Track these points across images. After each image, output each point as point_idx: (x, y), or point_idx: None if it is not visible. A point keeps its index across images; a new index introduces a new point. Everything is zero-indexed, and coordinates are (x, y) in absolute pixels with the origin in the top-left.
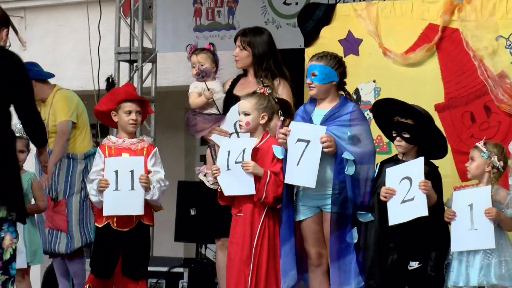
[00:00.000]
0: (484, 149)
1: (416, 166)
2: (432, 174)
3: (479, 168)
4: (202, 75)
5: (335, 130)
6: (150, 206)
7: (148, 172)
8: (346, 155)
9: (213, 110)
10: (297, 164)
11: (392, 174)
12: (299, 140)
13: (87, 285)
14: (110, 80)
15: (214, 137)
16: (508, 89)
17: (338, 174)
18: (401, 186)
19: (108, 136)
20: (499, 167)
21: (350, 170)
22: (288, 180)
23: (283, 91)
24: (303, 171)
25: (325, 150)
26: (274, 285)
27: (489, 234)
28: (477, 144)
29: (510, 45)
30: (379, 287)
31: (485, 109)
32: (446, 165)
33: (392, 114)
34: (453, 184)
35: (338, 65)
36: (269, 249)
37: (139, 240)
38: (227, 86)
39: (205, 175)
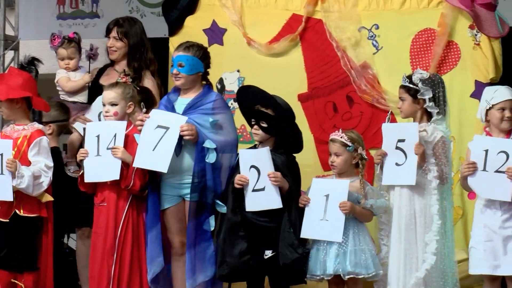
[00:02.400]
0: (350, 143)
1: (263, 156)
2: (289, 164)
3: (347, 162)
4: (90, 56)
5: (197, 118)
6: (35, 197)
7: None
8: (207, 144)
9: (81, 99)
10: (153, 150)
11: (244, 160)
12: (158, 126)
13: None
14: None
15: (77, 125)
16: (370, 80)
17: (199, 162)
18: (251, 174)
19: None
20: (365, 157)
21: (211, 158)
22: (139, 163)
23: (148, 82)
24: (157, 156)
25: (186, 138)
26: (137, 275)
27: (339, 227)
28: (336, 138)
29: (372, 36)
30: (229, 275)
31: (347, 99)
32: (308, 155)
33: (254, 102)
34: (315, 173)
35: (204, 56)
36: (133, 239)
37: (17, 232)
38: (93, 75)
39: (65, 164)
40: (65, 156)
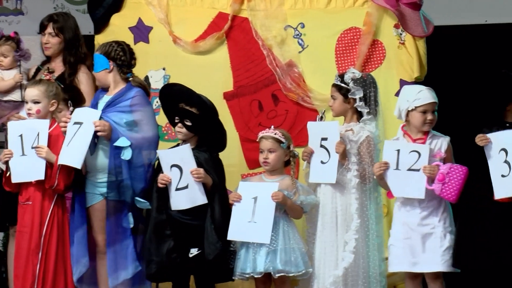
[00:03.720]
0: (284, 140)
1: (183, 153)
2: (212, 160)
3: (281, 159)
4: (17, 58)
5: (113, 117)
6: None
7: None
8: (120, 142)
9: (14, 97)
10: (68, 145)
11: (164, 160)
12: (75, 123)
13: None
14: None
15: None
16: (296, 78)
17: (114, 159)
18: (173, 173)
19: None
20: (297, 154)
21: (126, 155)
22: (61, 160)
23: (84, 76)
24: (72, 151)
25: (99, 134)
26: (62, 274)
27: (266, 229)
28: (269, 135)
29: (298, 34)
30: (157, 274)
31: (273, 97)
32: (233, 153)
33: (178, 100)
34: (241, 172)
35: (110, 53)
36: (58, 238)
37: None
38: (32, 73)
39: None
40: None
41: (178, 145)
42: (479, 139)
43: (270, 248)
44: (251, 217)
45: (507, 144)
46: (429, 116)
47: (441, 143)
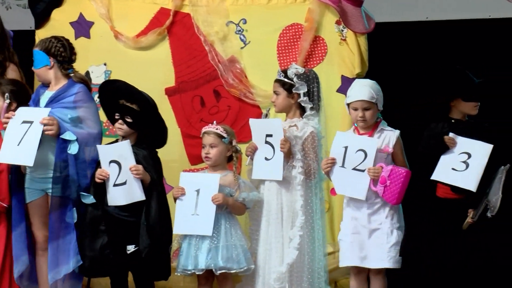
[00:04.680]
0: (225, 135)
1: (123, 150)
2: (151, 157)
3: (222, 154)
4: None
5: (57, 112)
6: None
7: None
8: (67, 136)
9: None
10: (18, 144)
11: (103, 155)
12: (24, 122)
13: None
14: None
15: None
16: (238, 74)
17: (60, 153)
18: (111, 169)
19: None
20: (239, 150)
21: (73, 149)
22: (4, 159)
23: (13, 74)
24: (22, 150)
25: (46, 133)
26: (8, 272)
27: (209, 221)
28: (211, 130)
29: (240, 30)
30: (90, 269)
31: (215, 93)
32: (175, 149)
33: (118, 96)
34: (182, 168)
35: (51, 48)
36: (7, 234)
37: None
38: None
39: None
40: None
41: (117, 141)
42: (448, 140)
43: (212, 245)
44: (194, 210)
45: (473, 151)
46: (360, 114)
47: (390, 137)
